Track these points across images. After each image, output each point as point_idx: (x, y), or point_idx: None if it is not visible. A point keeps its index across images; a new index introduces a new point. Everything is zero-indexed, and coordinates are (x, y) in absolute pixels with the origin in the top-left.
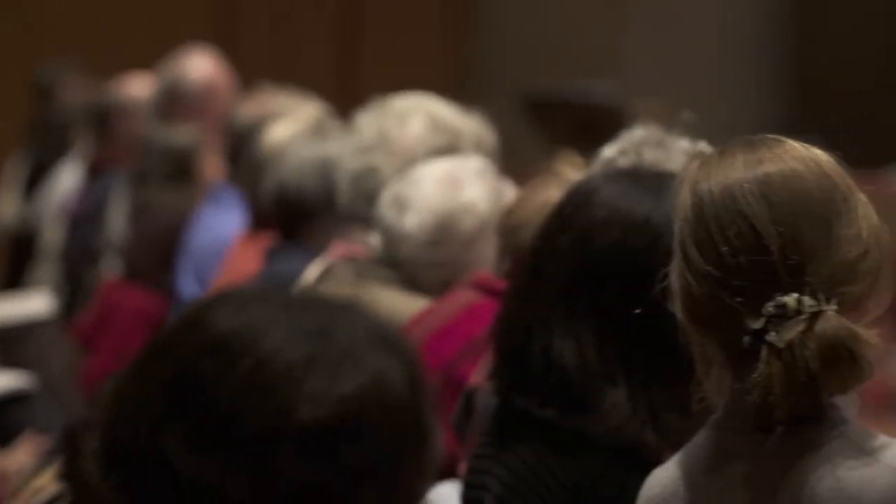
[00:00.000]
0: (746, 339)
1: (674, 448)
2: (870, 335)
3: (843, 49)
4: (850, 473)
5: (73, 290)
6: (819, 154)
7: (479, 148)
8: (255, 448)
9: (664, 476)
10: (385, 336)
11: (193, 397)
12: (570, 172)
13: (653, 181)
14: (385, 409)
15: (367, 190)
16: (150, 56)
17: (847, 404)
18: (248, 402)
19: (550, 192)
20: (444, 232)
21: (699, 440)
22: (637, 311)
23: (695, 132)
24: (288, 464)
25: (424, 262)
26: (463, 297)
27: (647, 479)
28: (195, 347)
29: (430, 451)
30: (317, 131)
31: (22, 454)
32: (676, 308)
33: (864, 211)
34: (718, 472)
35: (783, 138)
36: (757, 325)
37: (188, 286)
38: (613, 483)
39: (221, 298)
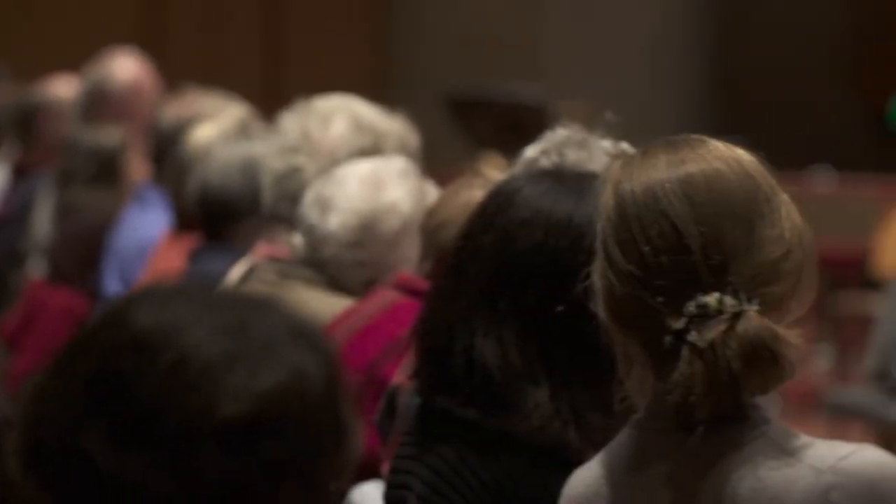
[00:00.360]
0: (668, 338)
1: (596, 448)
2: (791, 335)
3: (765, 50)
4: (771, 473)
5: None
6: (742, 154)
7: (402, 148)
8: (176, 445)
9: (586, 476)
10: (303, 332)
11: (115, 395)
12: (492, 172)
13: (575, 181)
14: (304, 405)
15: (291, 190)
16: (77, 58)
17: (769, 404)
18: (169, 399)
19: (473, 193)
20: (367, 232)
21: (621, 439)
22: (559, 310)
23: (617, 132)
24: (209, 460)
25: (347, 263)
26: (386, 297)
27: (570, 479)
28: (116, 345)
29: (349, 447)
30: (241, 132)
31: None
32: (599, 308)
33: (786, 211)
34: (640, 472)
35: (706, 138)
36: (678, 324)
37: (113, 286)
38: (536, 483)
39: (142, 296)
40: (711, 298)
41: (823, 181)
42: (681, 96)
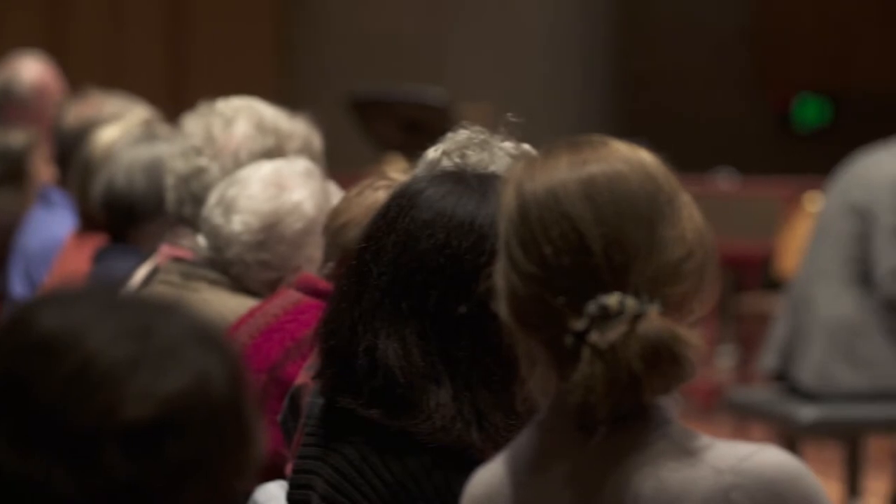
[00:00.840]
0: (569, 339)
1: (498, 448)
2: (693, 336)
3: (666, 51)
4: (672, 474)
5: None
6: (644, 155)
7: (305, 150)
8: (80, 447)
9: (488, 475)
10: (206, 334)
11: (18, 396)
12: (396, 174)
13: (477, 183)
14: (207, 408)
15: (194, 192)
16: None
17: (670, 404)
18: (73, 402)
19: (377, 194)
20: (270, 233)
21: (523, 439)
22: (462, 311)
23: (519, 134)
24: (113, 462)
25: (251, 264)
26: (289, 298)
27: (471, 479)
28: (20, 347)
29: (252, 448)
30: (145, 134)
31: None
32: (501, 308)
33: (688, 212)
34: (542, 472)
35: (608, 139)
36: (580, 325)
37: (18, 288)
38: (438, 483)
39: (46, 298)
40: (612, 299)
41: (726, 182)
42: (583, 98)
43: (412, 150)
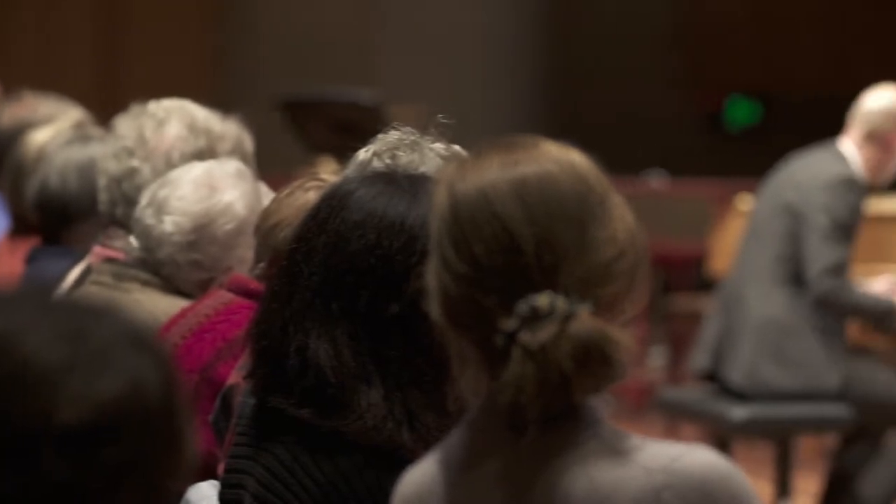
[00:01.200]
0: (500, 339)
1: (430, 448)
2: (624, 336)
3: (598, 52)
4: (603, 474)
5: None
6: (575, 156)
7: (237, 151)
8: (16, 449)
9: (419, 475)
10: (141, 337)
11: None
12: (327, 175)
13: (408, 183)
14: (142, 411)
15: (127, 193)
16: None
17: (601, 404)
18: (9, 405)
19: (308, 195)
20: (202, 234)
21: (454, 439)
22: (393, 311)
23: (450, 135)
24: (49, 465)
25: (182, 264)
26: (221, 299)
27: (402, 478)
28: None
29: (186, 449)
30: (78, 135)
31: None
32: (433, 308)
33: (619, 213)
34: (473, 471)
35: (539, 140)
36: (510, 325)
37: None
38: (370, 482)
39: None
40: (543, 299)
41: (657, 182)
42: (514, 99)
43: (343, 152)
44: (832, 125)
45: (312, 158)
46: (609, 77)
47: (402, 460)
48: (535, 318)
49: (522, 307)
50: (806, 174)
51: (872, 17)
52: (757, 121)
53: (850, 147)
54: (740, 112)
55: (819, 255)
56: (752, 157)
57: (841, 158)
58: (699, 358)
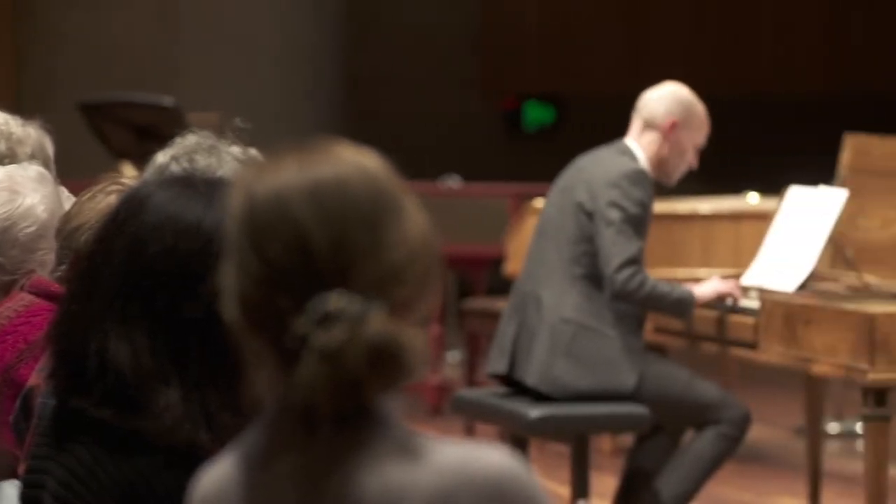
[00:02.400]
0: (293, 340)
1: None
2: (416, 337)
3: (397, 56)
4: (395, 475)
5: None
6: (369, 159)
7: (37, 155)
8: None
9: (215, 474)
10: None
11: None
12: (128, 179)
13: (205, 186)
14: None
15: None
16: None
17: (393, 405)
18: None
19: (109, 198)
20: (3, 237)
21: (249, 438)
22: (190, 313)
23: (248, 138)
24: None
25: None
26: (21, 301)
27: (199, 477)
28: None
29: None
30: None
31: None
32: (228, 309)
33: (413, 215)
34: (267, 470)
35: (335, 143)
36: (303, 326)
37: None
38: (169, 483)
39: None
40: (334, 301)
41: (453, 185)
42: (313, 103)
43: (143, 157)
44: (625, 124)
45: (113, 163)
46: (406, 80)
47: (200, 460)
48: (326, 319)
49: (314, 308)
50: (594, 172)
51: (662, 17)
52: (551, 122)
53: (633, 142)
54: (535, 114)
55: (614, 250)
56: (548, 159)
57: (626, 154)
58: (495, 359)
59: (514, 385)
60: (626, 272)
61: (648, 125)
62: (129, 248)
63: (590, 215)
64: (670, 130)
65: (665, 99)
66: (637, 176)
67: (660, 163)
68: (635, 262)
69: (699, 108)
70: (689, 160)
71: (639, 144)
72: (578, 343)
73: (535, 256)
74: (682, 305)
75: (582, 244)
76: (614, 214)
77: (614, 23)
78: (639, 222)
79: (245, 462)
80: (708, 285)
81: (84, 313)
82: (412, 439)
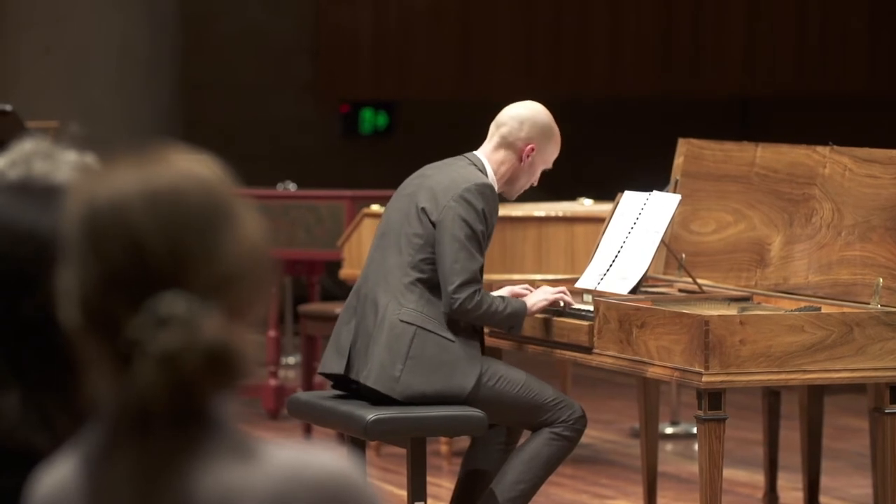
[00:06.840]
0: (127, 343)
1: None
2: (248, 341)
3: (230, 61)
4: (227, 477)
5: None
6: (204, 166)
7: None
8: None
9: (53, 476)
10: None
11: None
12: None
13: (41, 192)
14: None
15: None
16: None
17: (227, 407)
18: None
19: None
20: None
21: (87, 440)
22: (27, 316)
23: (86, 144)
24: None
25: None
26: None
27: (36, 480)
28: None
29: None
30: None
31: None
32: (66, 313)
33: (248, 220)
34: (103, 472)
35: (170, 149)
36: (138, 330)
37: None
38: (7, 487)
39: None
40: (170, 305)
41: (288, 191)
42: (151, 109)
43: None
44: (458, 130)
45: None
46: (240, 86)
47: (35, 462)
48: (159, 322)
49: (149, 310)
50: (440, 180)
51: (493, 24)
52: (385, 127)
53: (484, 157)
54: (370, 119)
55: (455, 268)
56: (382, 164)
57: (475, 167)
58: (329, 359)
59: (349, 386)
60: (465, 292)
61: (505, 144)
62: None
63: (433, 223)
64: (528, 155)
65: (527, 123)
66: (484, 189)
67: (509, 181)
68: (474, 281)
69: (556, 132)
70: (534, 179)
71: (490, 160)
72: (418, 345)
73: (375, 260)
74: (514, 318)
75: (424, 250)
76: (459, 230)
77: (448, 30)
78: (482, 238)
79: (83, 464)
80: (538, 295)
81: None
82: (246, 442)
